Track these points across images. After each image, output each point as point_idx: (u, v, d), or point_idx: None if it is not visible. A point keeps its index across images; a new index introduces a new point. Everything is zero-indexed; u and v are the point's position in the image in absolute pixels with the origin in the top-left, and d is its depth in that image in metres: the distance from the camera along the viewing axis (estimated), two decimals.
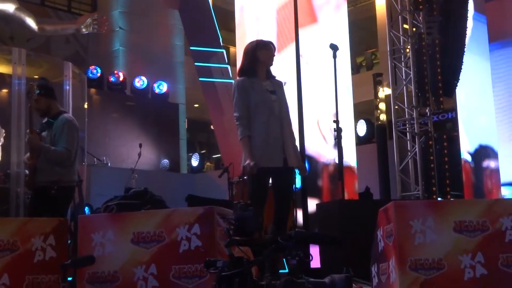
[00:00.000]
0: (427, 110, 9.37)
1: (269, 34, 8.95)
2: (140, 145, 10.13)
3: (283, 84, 5.01)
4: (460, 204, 4.12)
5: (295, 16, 6.26)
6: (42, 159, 5.25)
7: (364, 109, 14.90)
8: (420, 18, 9.44)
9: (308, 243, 4.52)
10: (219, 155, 14.47)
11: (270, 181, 4.79)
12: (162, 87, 14.54)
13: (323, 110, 8.46)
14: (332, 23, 9.07)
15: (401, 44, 9.57)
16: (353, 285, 3.61)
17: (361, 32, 18.19)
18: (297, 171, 4.95)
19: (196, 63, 11.92)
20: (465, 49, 9.70)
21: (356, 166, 9.08)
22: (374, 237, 4.32)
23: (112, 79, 13.92)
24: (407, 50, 9.53)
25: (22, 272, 4.20)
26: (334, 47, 6.16)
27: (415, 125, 9.25)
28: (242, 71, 4.86)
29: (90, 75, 13.33)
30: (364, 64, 19.51)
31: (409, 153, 9.34)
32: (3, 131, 7.23)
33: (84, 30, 7.09)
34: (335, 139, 6.34)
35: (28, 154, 5.45)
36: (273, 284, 2.66)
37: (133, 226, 4.17)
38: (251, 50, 4.84)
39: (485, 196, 10.71)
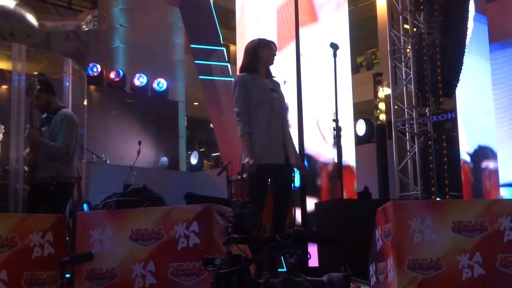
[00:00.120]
0: (426, 110, 9.36)
1: (269, 33, 8.95)
2: (139, 143, 10.12)
3: (283, 83, 5.01)
4: (459, 204, 4.12)
5: (295, 15, 6.26)
6: (41, 154, 5.25)
7: (363, 109, 14.91)
8: (421, 18, 9.43)
9: (306, 242, 4.53)
10: (218, 153, 14.46)
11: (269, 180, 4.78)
12: (162, 85, 14.54)
13: (323, 109, 8.47)
14: (332, 22, 9.08)
15: (402, 44, 9.57)
16: (351, 284, 3.61)
17: (361, 32, 18.18)
18: (297, 170, 4.94)
19: (196, 61, 11.92)
20: (466, 50, 9.70)
21: (355, 165, 9.09)
22: (372, 237, 4.32)
23: (112, 76, 13.92)
24: (408, 50, 9.53)
25: (20, 268, 4.20)
26: (334, 47, 6.16)
27: (415, 125, 9.25)
28: (243, 68, 4.85)
29: (90, 72, 13.33)
30: (364, 63, 19.52)
31: (408, 153, 9.34)
32: (2, 127, 7.23)
33: (84, 26, 7.09)
34: (334, 138, 6.33)
35: (27, 150, 5.45)
36: (271, 282, 2.66)
37: (132, 223, 4.17)
38: (252, 48, 4.84)
39: (484, 196, 10.72)
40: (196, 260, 3.93)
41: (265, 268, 2.77)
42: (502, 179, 11.22)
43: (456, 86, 9.81)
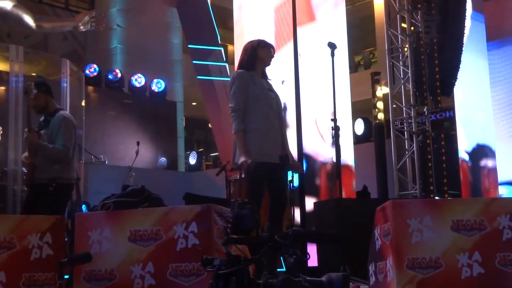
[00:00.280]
0: (425, 109, 9.36)
1: (267, 33, 8.94)
2: (138, 143, 10.11)
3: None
4: (458, 203, 4.12)
5: (293, 14, 6.24)
6: (41, 157, 5.24)
7: (362, 108, 14.92)
8: (418, 17, 9.43)
9: (307, 241, 4.52)
10: (217, 153, 14.46)
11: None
12: (160, 85, 14.53)
13: (321, 109, 8.46)
14: (330, 21, 9.06)
15: (399, 43, 9.57)
16: (351, 283, 3.61)
17: (359, 31, 18.19)
18: (291, 171, 4.90)
19: (194, 61, 11.92)
20: (463, 48, 9.70)
21: (353, 165, 9.08)
22: (371, 236, 4.32)
23: (110, 77, 13.92)
24: (405, 49, 9.52)
25: (19, 270, 4.19)
26: (332, 46, 6.14)
27: (413, 124, 9.25)
28: (242, 65, 4.83)
29: (88, 72, 13.32)
30: (362, 63, 19.54)
31: (406, 152, 9.33)
32: (0, 128, 7.22)
33: (82, 27, 7.08)
34: (332, 137, 6.31)
35: (25, 153, 5.44)
36: (271, 283, 2.65)
37: (130, 224, 4.17)
38: (251, 47, 4.83)
39: (483, 195, 10.72)
40: (195, 260, 3.93)
41: (264, 268, 2.76)
42: (501, 178, 11.22)
43: (454, 85, 9.81)
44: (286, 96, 7.91)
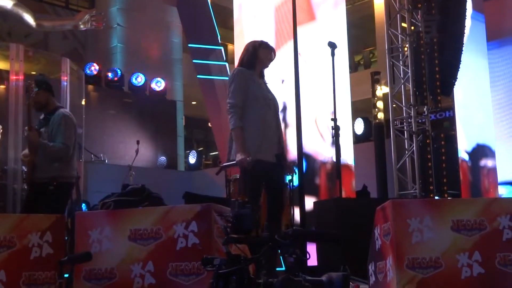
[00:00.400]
0: (424, 109, 9.35)
1: (267, 32, 8.94)
2: (138, 142, 10.12)
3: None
4: (458, 203, 4.12)
5: (293, 14, 6.24)
6: (41, 155, 5.24)
7: (362, 108, 14.92)
8: (419, 16, 9.43)
9: (307, 241, 4.51)
10: (217, 152, 14.45)
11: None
12: (160, 84, 14.54)
13: (321, 108, 8.46)
14: (330, 21, 9.06)
15: (399, 42, 9.57)
16: (351, 283, 3.60)
17: (359, 31, 18.19)
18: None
19: (194, 61, 11.90)
20: (463, 48, 9.70)
21: (353, 164, 9.08)
22: (371, 236, 4.32)
23: (110, 75, 13.92)
24: (405, 48, 9.52)
25: (19, 269, 4.19)
26: (332, 45, 6.15)
27: (413, 124, 9.25)
28: (242, 64, 4.84)
29: (88, 71, 13.33)
30: (362, 62, 19.54)
31: (406, 152, 9.33)
32: (0, 127, 7.23)
33: (82, 26, 7.08)
34: (332, 137, 6.32)
35: (25, 151, 5.44)
36: (270, 282, 2.65)
37: (130, 223, 4.17)
38: (252, 47, 4.83)
39: (483, 195, 10.72)
40: (195, 260, 3.93)
41: (264, 268, 2.76)
42: (501, 177, 11.21)
43: (454, 85, 9.81)
44: (286, 96, 7.92)
